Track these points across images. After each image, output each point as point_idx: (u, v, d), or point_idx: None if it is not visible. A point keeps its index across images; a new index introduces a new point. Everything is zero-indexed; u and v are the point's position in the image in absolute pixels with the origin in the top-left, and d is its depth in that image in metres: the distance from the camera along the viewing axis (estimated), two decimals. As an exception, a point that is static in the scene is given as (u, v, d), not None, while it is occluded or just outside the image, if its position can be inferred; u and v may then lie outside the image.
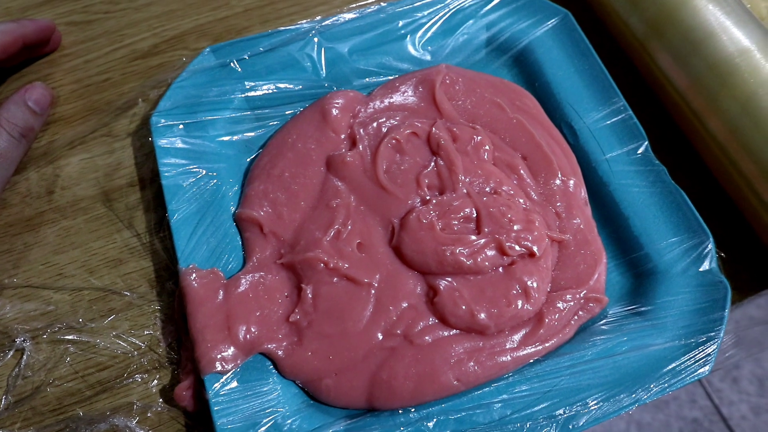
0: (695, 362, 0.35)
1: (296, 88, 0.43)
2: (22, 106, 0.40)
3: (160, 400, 0.36)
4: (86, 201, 0.41)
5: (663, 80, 0.43)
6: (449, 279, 0.36)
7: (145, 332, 0.37)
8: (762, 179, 0.38)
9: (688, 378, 0.34)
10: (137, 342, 0.37)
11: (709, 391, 1.01)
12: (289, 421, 0.33)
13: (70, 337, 0.37)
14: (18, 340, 0.36)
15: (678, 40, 0.41)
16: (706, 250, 0.38)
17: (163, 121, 0.40)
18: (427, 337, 0.35)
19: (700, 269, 0.37)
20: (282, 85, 0.42)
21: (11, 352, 0.36)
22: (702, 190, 0.42)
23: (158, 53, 0.47)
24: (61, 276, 0.39)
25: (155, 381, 0.36)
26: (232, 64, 0.42)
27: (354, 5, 0.48)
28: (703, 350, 0.35)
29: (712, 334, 0.35)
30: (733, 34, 0.40)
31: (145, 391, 0.36)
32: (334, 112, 0.41)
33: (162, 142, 0.39)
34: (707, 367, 0.34)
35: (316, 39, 0.43)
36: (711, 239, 0.38)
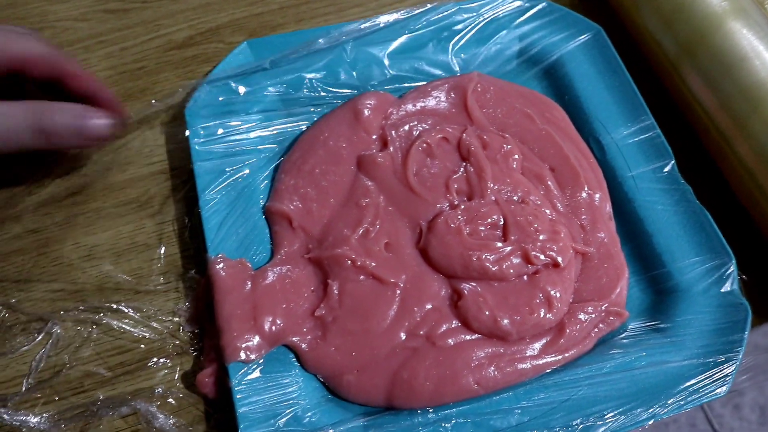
0: (712, 382, 0.35)
1: (329, 87, 0.43)
2: (76, 127, 0.34)
3: (181, 385, 0.36)
4: (118, 185, 0.42)
5: (692, 101, 0.43)
6: (474, 284, 0.36)
7: (169, 318, 0.38)
8: (787, 205, 0.38)
9: (705, 397, 0.35)
10: (161, 327, 0.37)
11: (710, 417, 1.01)
12: (308, 414, 0.34)
13: (95, 318, 0.37)
14: (50, 324, 0.36)
15: (710, 63, 0.42)
16: (728, 272, 0.38)
17: (197, 112, 0.41)
18: (449, 340, 0.35)
19: (722, 290, 0.38)
20: (315, 84, 0.43)
21: (40, 336, 0.36)
22: (726, 211, 0.42)
23: (193, 45, 0.47)
24: (89, 257, 0.39)
25: (177, 367, 0.36)
26: (267, 60, 0.43)
27: (387, 9, 0.49)
28: (721, 370, 0.35)
29: (731, 354, 0.36)
30: (766, 59, 0.40)
31: (167, 376, 0.36)
32: (366, 112, 0.41)
33: (196, 133, 0.40)
34: (725, 388, 0.35)
35: (350, 41, 0.44)
36: (733, 261, 0.38)
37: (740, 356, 0.35)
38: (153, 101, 0.43)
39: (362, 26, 0.44)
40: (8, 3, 0.48)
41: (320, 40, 0.43)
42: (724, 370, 0.35)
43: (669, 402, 0.34)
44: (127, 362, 0.36)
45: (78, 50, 0.47)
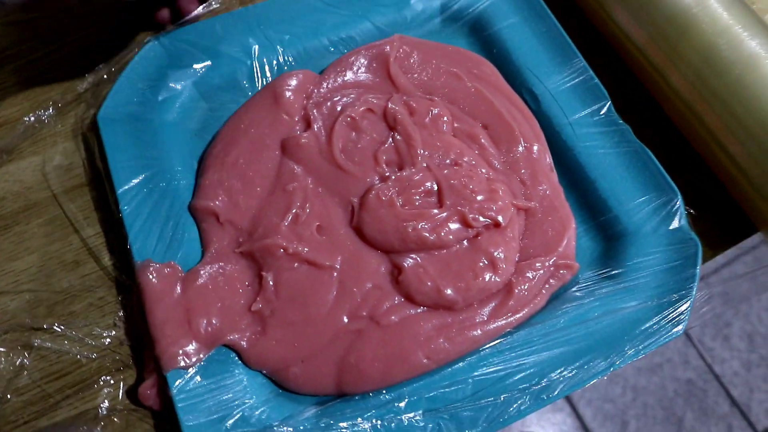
0: (669, 322, 0.34)
1: (246, 74, 0.41)
2: None
3: (127, 401, 0.35)
4: (39, 205, 0.40)
5: (621, 36, 0.42)
6: (413, 256, 0.35)
7: (108, 333, 0.36)
8: (726, 131, 0.37)
9: (662, 339, 0.34)
10: (99, 344, 0.36)
11: (701, 351, 1.01)
12: (257, 412, 0.32)
13: (29, 346, 0.36)
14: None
15: (634, -5, 0.40)
16: (674, 208, 0.37)
17: (111, 117, 0.39)
18: (393, 317, 0.34)
19: (670, 227, 0.37)
20: (230, 72, 0.41)
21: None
22: (668, 146, 0.41)
23: (104, 49, 0.45)
24: (17, 283, 0.37)
25: (120, 383, 0.35)
26: (178, 54, 0.41)
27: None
28: (676, 309, 0.34)
29: (684, 292, 0.35)
30: (689, -16, 0.39)
31: (111, 394, 0.35)
32: (287, 94, 0.39)
33: (111, 138, 0.38)
34: (681, 327, 0.34)
35: (262, 20, 0.42)
36: (679, 196, 0.37)
37: (694, 292, 0.35)
38: (65, 112, 0.41)
39: (271, 7, 0.42)
40: None
41: (230, 21, 0.42)
42: (679, 308, 0.34)
43: (626, 348, 0.33)
44: (68, 385, 0.35)
45: (-15, 68, 0.45)
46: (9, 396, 0.34)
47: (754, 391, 1.00)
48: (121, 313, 0.37)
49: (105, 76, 0.42)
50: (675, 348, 1.02)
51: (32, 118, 0.41)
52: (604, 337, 0.34)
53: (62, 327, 0.36)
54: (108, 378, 0.35)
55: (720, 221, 0.40)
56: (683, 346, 1.02)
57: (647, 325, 0.34)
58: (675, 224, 0.37)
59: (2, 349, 0.35)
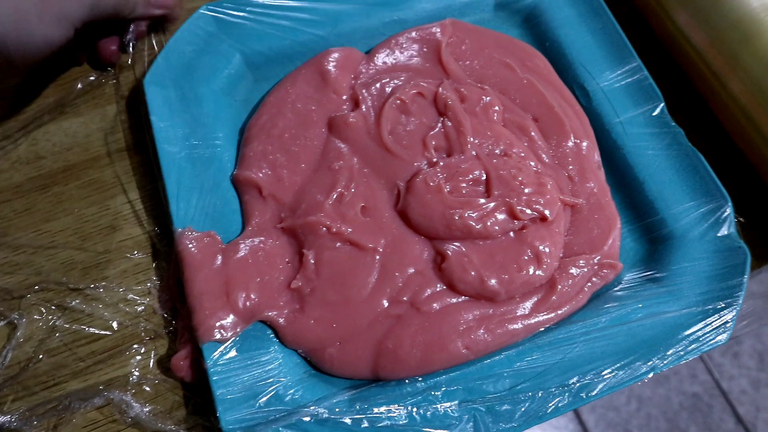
0: (713, 330, 0.33)
1: (295, 46, 0.41)
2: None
3: (157, 370, 0.34)
4: (78, 167, 0.39)
5: (680, 39, 0.41)
6: (457, 244, 0.34)
7: (141, 301, 0.36)
8: (784, 140, 0.36)
9: (705, 346, 0.33)
10: (132, 311, 0.35)
11: (710, 366, 1.00)
12: (291, 392, 0.32)
13: (62, 307, 0.35)
14: (12, 316, 0.34)
15: (696, -4, 0.39)
16: (724, 215, 0.36)
17: (157, 82, 0.38)
18: (434, 305, 0.33)
19: (718, 234, 0.36)
20: (280, 43, 0.40)
21: (2, 324, 0.35)
22: (720, 153, 0.40)
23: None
24: (53, 243, 0.37)
25: (152, 351, 0.35)
26: (228, 23, 0.40)
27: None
28: (721, 317, 0.34)
29: (730, 300, 0.34)
30: (755, -12, 0.38)
31: (141, 362, 0.34)
32: (334, 71, 0.39)
33: (156, 104, 0.37)
34: (725, 335, 0.33)
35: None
36: (730, 203, 0.36)
37: (740, 301, 0.34)
38: (111, 75, 0.41)
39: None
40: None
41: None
42: (724, 317, 0.34)
43: (668, 353, 0.33)
44: (99, 350, 0.35)
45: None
46: (41, 356, 0.34)
47: (761, 411, 0.99)
48: (155, 281, 0.36)
49: (152, 43, 0.42)
50: (683, 360, 1.01)
51: (89, 79, 0.40)
52: (646, 339, 0.33)
53: (97, 290, 0.36)
54: (139, 346, 0.35)
55: (769, 232, 0.39)
56: (692, 359, 1.01)
57: (690, 331, 0.33)
58: (724, 231, 0.36)
59: (36, 313, 0.35)
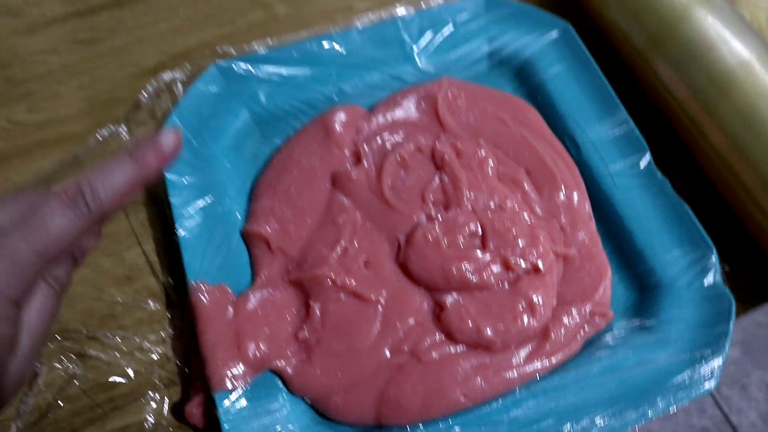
0: (701, 376, 0.35)
1: (301, 104, 0.43)
2: (67, 261, 0.31)
3: (171, 417, 0.36)
4: (95, 219, 0.41)
5: (664, 92, 0.43)
6: (455, 295, 0.36)
7: (155, 349, 0.38)
8: (763, 190, 0.38)
9: (693, 393, 0.34)
10: (147, 359, 0.37)
11: (718, 400, 1.00)
12: (298, 438, 0.34)
13: (81, 355, 0.37)
14: (37, 368, 0.36)
15: (678, 52, 0.42)
16: (709, 263, 0.38)
17: (170, 139, 0.40)
18: (434, 354, 0.35)
19: (705, 282, 0.38)
20: (287, 101, 0.43)
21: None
22: (704, 202, 0.42)
23: (164, 70, 0.47)
24: (70, 294, 0.39)
25: (166, 398, 0.36)
26: (236, 81, 0.43)
27: (357, 18, 0.49)
28: (709, 364, 0.35)
29: (717, 347, 0.35)
30: (733, 47, 0.40)
31: (156, 409, 0.36)
32: (338, 127, 0.41)
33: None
34: (713, 382, 0.35)
35: (317, 56, 0.44)
36: (714, 252, 0.38)
37: (726, 348, 0.35)
38: (125, 131, 0.43)
39: (326, 44, 0.44)
40: (-23, 40, 0.48)
41: (289, 54, 0.44)
42: (712, 363, 0.35)
43: (658, 401, 0.34)
44: (116, 397, 0.36)
45: (49, 83, 0.47)
46: (60, 403, 0.36)
47: (771, 444, 0.99)
48: (169, 330, 0.38)
49: (165, 98, 0.44)
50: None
51: (101, 135, 0.43)
52: (636, 386, 0.35)
53: (113, 339, 0.38)
54: (154, 393, 0.36)
55: (754, 278, 0.41)
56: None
57: (679, 378, 0.35)
58: (709, 279, 0.38)
59: (55, 361, 0.37)
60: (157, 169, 0.32)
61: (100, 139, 0.43)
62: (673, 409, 0.34)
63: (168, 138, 0.33)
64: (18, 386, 0.28)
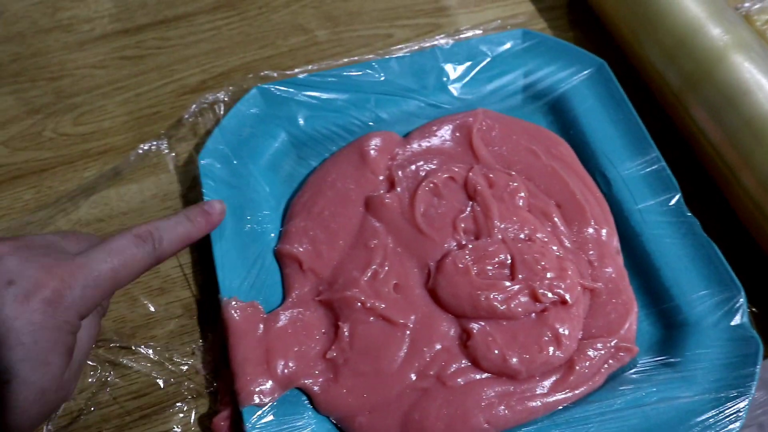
0: (725, 417, 0.35)
1: (338, 128, 0.44)
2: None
3: (197, 429, 0.37)
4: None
5: (698, 133, 0.44)
6: (482, 323, 0.37)
7: (185, 361, 0.38)
8: (795, 236, 0.38)
9: (718, 433, 0.34)
10: (177, 370, 0.38)
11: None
12: (322, 457, 0.34)
13: (113, 363, 0.38)
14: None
15: (713, 96, 0.42)
16: (737, 305, 0.38)
17: (210, 157, 0.42)
18: (459, 380, 0.35)
19: (732, 323, 0.38)
20: (324, 125, 0.44)
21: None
22: (734, 243, 0.42)
23: (206, 89, 0.49)
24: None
25: (193, 410, 0.37)
26: (277, 104, 0.44)
27: (395, 47, 0.50)
28: (734, 405, 0.35)
29: (743, 389, 0.35)
30: (768, 92, 0.41)
31: (183, 419, 0.37)
32: (373, 153, 0.42)
33: (208, 178, 0.41)
34: (738, 424, 0.35)
35: (355, 83, 0.45)
36: (743, 293, 0.38)
37: (752, 390, 0.35)
38: (167, 147, 0.45)
39: (364, 71, 0.45)
40: (31, 53, 0.50)
41: (329, 80, 0.45)
42: (737, 405, 0.35)
43: (681, 439, 0.34)
44: (145, 406, 0.37)
45: (96, 97, 0.49)
46: (92, 408, 0.37)
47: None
48: (200, 343, 0.39)
49: (207, 116, 0.46)
50: None
51: (143, 149, 0.44)
52: (659, 423, 0.35)
53: (145, 349, 0.39)
54: (182, 404, 0.37)
55: (781, 322, 0.41)
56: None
57: (703, 417, 0.35)
58: (737, 320, 0.38)
59: (88, 366, 0.38)
60: (205, 231, 0.37)
61: (140, 152, 0.45)
62: (696, 448, 0.34)
63: (216, 206, 0.38)
64: (66, 397, 0.30)
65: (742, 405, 0.35)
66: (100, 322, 0.34)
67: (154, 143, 0.45)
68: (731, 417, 0.35)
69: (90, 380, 0.37)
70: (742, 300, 0.38)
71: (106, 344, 0.38)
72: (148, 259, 0.32)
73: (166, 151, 0.45)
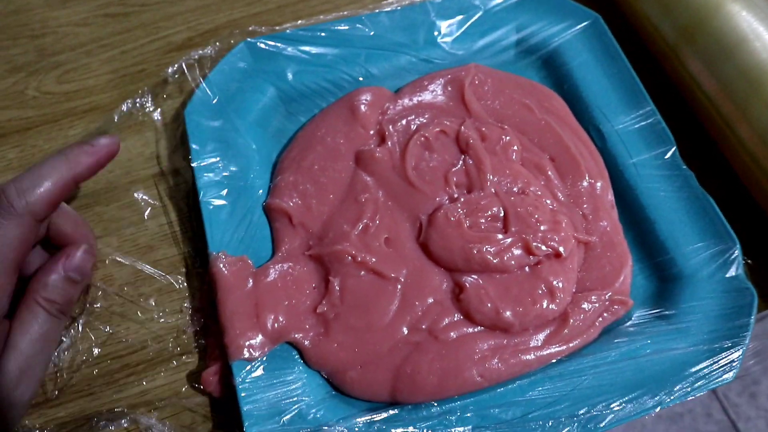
0: (719, 368, 0.35)
1: (328, 84, 0.43)
2: (62, 280, 0.33)
3: (186, 386, 0.36)
4: (119, 188, 0.42)
5: (693, 85, 0.43)
6: (475, 276, 0.36)
7: (173, 318, 0.38)
8: (791, 187, 0.38)
9: (711, 383, 0.34)
10: (166, 327, 0.38)
11: (726, 406, 1.00)
12: (313, 411, 0.34)
13: (100, 321, 0.37)
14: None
15: (709, 46, 0.41)
16: (732, 256, 0.38)
17: (197, 113, 0.41)
18: (451, 333, 0.35)
19: (726, 275, 0.37)
20: (314, 80, 0.43)
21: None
22: (730, 196, 0.42)
23: (192, 46, 0.48)
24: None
25: (182, 366, 0.37)
26: (265, 58, 0.43)
27: (385, 2, 0.49)
28: (728, 356, 0.35)
29: (737, 340, 0.35)
30: (766, 41, 0.40)
31: (173, 376, 0.36)
32: (363, 108, 0.41)
33: (196, 134, 0.40)
34: (731, 374, 0.34)
35: (344, 38, 0.44)
36: (738, 245, 0.38)
37: (747, 341, 0.35)
38: (152, 103, 0.44)
39: (354, 26, 0.44)
40: (11, 10, 0.49)
41: (316, 35, 0.44)
42: (731, 356, 0.35)
43: (675, 389, 0.34)
44: (132, 363, 0.37)
45: (80, 55, 0.47)
46: (82, 366, 0.36)
47: (778, 453, 0.98)
48: (188, 300, 0.38)
49: (192, 73, 0.44)
50: (698, 399, 0.99)
51: (128, 107, 0.43)
52: (654, 374, 0.35)
53: (132, 308, 0.38)
54: (171, 360, 0.37)
55: (776, 275, 0.40)
56: (707, 398, 1.00)
57: (698, 367, 0.35)
58: (732, 272, 0.37)
59: (82, 322, 0.37)
60: (94, 168, 0.33)
61: (124, 111, 0.44)
62: (689, 397, 0.34)
63: (101, 140, 0.34)
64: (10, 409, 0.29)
65: (735, 356, 0.35)
66: (56, 320, 0.33)
67: (138, 101, 0.44)
68: (725, 367, 0.35)
69: (78, 338, 0.37)
70: (737, 252, 0.38)
71: (94, 302, 0.38)
72: (14, 228, 0.30)
73: (151, 108, 0.44)
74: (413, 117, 0.41)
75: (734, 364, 0.35)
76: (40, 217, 0.31)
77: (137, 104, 0.44)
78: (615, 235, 0.39)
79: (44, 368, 0.33)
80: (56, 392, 0.36)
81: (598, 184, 0.40)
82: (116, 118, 0.43)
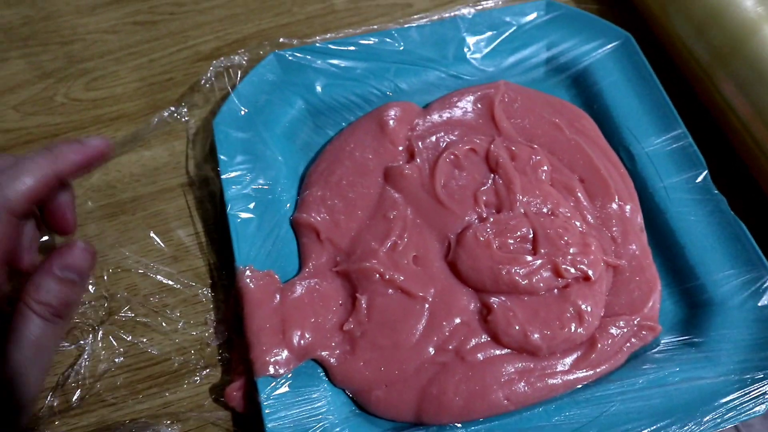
0: (750, 399, 0.34)
1: (356, 97, 0.43)
2: (55, 280, 0.30)
3: (209, 399, 0.36)
4: (145, 198, 0.42)
5: (726, 109, 0.42)
6: (503, 298, 0.36)
7: (198, 330, 0.38)
8: (826, 216, 0.37)
9: (742, 416, 0.34)
10: (190, 339, 0.37)
11: (739, 426, 0.98)
12: (337, 429, 0.33)
13: (125, 332, 0.37)
14: (82, 342, 0.37)
15: (745, 70, 0.41)
16: (764, 285, 0.37)
17: (225, 124, 0.41)
18: (478, 355, 0.35)
19: (758, 304, 0.37)
20: (342, 93, 0.43)
21: (72, 347, 0.37)
22: (762, 222, 0.41)
23: (220, 56, 0.47)
24: (118, 270, 0.39)
25: (205, 380, 0.36)
26: (294, 71, 0.43)
27: (415, 17, 0.49)
28: (759, 388, 0.34)
29: (769, 371, 0.35)
30: (802, 67, 0.39)
31: (196, 389, 0.36)
32: (392, 123, 0.41)
33: (223, 144, 0.40)
34: (763, 406, 0.34)
35: (376, 53, 0.44)
36: (770, 274, 0.37)
37: (779, 372, 0.35)
38: (180, 112, 0.44)
39: (384, 40, 0.44)
40: (42, 17, 0.49)
41: (348, 48, 0.44)
42: (762, 388, 0.34)
43: (705, 419, 0.33)
44: (156, 375, 0.37)
45: (108, 62, 0.47)
46: (104, 376, 0.36)
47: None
48: (213, 312, 0.38)
49: (222, 83, 0.45)
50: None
51: (164, 115, 0.43)
52: (682, 403, 0.34)
53: (156, 319, 0.38)
54: (194, 373, 0.37)
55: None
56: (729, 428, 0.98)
57: (728, 398, 0.34)
58: (764, 301, 0.37)
59: (99, 334, 0.37)
60: (80, 165, 0.32)
61: (161, 119, 0.44)
62: (719, 429, 0.33)
63: (96, 140, 0.32)
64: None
65: (767, 387, 0.34)
66: (51, 324, 0.30)
67: (174, 110, 0.44)
68: (756, 399, 0.34)
69: (100, 347, 0.37)
70: (769, 280, 0.37)
71: (118, 312, 0.38)
72: None
73: (186, 118, 0.44)
74: (442, 134, 0.41)
75: (766, 397, 0.34)
76: (18, 213, 0.30)
77: (173, 113, 0.44)
78: (644, 259, 0.38)
79: (41, 377, 0.30)
80: (79, 401, 0.36)
81: (628, 206, 0.40)
82: (153, 124, 0.43)
